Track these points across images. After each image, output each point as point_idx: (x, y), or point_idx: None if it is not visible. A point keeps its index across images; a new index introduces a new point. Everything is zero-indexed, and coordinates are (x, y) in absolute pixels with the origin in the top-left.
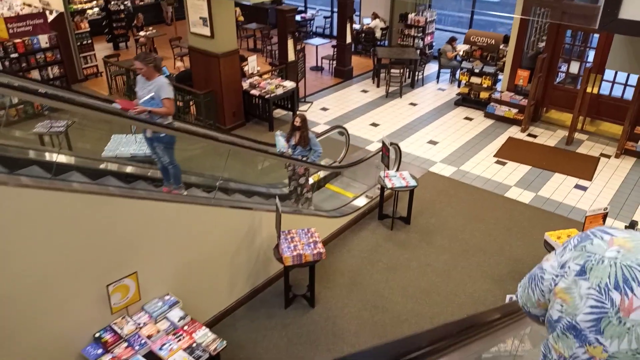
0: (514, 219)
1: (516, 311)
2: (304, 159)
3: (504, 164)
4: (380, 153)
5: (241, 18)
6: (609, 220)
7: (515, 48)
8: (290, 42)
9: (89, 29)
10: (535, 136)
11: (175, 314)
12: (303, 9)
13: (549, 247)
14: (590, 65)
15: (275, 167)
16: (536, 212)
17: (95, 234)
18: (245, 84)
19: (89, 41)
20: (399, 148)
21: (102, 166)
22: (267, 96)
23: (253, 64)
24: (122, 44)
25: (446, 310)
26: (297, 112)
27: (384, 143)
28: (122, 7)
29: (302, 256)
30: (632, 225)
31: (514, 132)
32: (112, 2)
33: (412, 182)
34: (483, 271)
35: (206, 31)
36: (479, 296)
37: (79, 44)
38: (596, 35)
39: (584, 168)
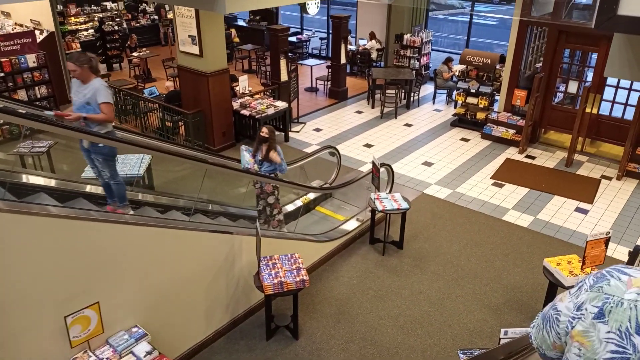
0: (511, 243)
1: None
2: (272, 175)
3: (501, 186)
4: (371, 174)
5: (237, 39)
6: (611, 245)
7: (512, 67)
8: (282, 62)
9: (80, 49)
10: (533, 157)
11: (142, 349)
12: (299, 30)
13: (549, 274)
14: (589, 85)
15: None
16: (535, 236)
17: (52, 260)
18: (236, 104)
19: None
20: (391, 169)
21: (73, 187)
22: (257, 116)
23: (244, 83)
24: (116, 65)
25: (439, 342)
26: (265, 126)
27: (374, 163)
28: (116, 27)
29: (283, 284)
30: (636, 251)
31: (512, 153)
32: (107, 23)
33: (404, 205)
34: (479, 300)
35: (195, 50)
36: (474, 327)
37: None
38: (594, 55)
39: (585, 190)
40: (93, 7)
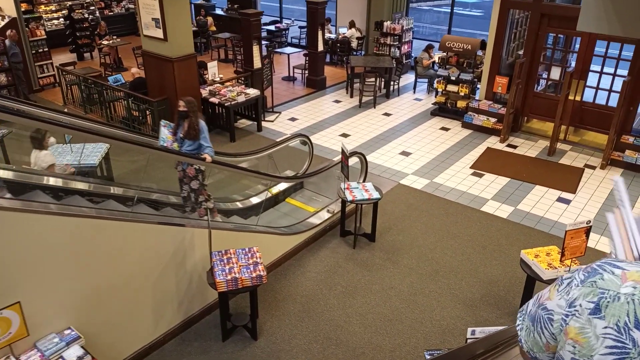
0: (490, 235)
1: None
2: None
3: (480, 175)
4: (340, 163)
5: (213, 28)
6: (594, 236)
7: (493, 53)
8: (255, 49)
9: (45, 37)
10: (515, 147)
11: (73, 353)
12: (279, 19)
13: (526, 267)
14: (572, 70)
15: (232, 180)
16: (515, 227)
17: None
18: (205, 92)
19: (46, 49)
20: (364, 158)
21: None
22: (227, 104)
23: (214, 70)
24: (87, 54)
25: (409, 341)
26: (182, 98)
27: (343, 151)
28: (86, 15)
29: (238, 280)
30: None
31: (493, 142)
32: (77, 11)
33: (376, 194)
34: (454, 295)
35: (159, 33)
36: (447, 324)
37: (33, 52)
38: (579, 38)
39: (567, 180)
40: None
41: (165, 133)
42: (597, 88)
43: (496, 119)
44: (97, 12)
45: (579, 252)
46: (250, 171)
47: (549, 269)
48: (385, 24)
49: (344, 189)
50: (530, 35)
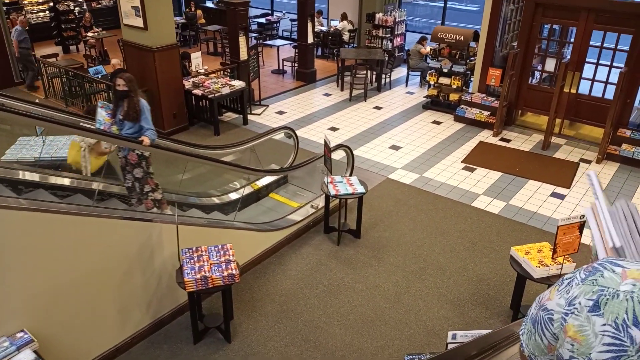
0: (480, 231)
1: None
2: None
3: (472, 170)
4: (323, 155)
5: (202, 20)
6: (588, 232)
7: (486, 44)
8: (242, 40)
9: (27, 27)
10: (508, 140)
11: (23, 358)
12: (270, 12)
13: (516, 265)
14: (567, 61)
15: (211, 174)
16: (506, 223)
17: None
18: (188, 83)
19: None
20: (350, 151)
21: None
22: (210, 96)
23: (197, 61)
24: (73, 46)
25: (392, 344)
26: (119, 75)
27: (325, 143)
28: (72, 7)
29: (208, 279)
30: None
31: (486, 136)
32: (62, 3)
33: (360, 189)
34: (441, 294)
35: (139, 22)
36: (433, 325)
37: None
38: (574, 29)
39: (562, 174)
40: None
41: (102, 115)
42: (593, 80)
43: (489, 112)
44: (85, 5)
45: (572, 249)
46: (214, 161)
47: (540, 267)
48: (377, 15)
49: (328, 183)
50: (524, 26)
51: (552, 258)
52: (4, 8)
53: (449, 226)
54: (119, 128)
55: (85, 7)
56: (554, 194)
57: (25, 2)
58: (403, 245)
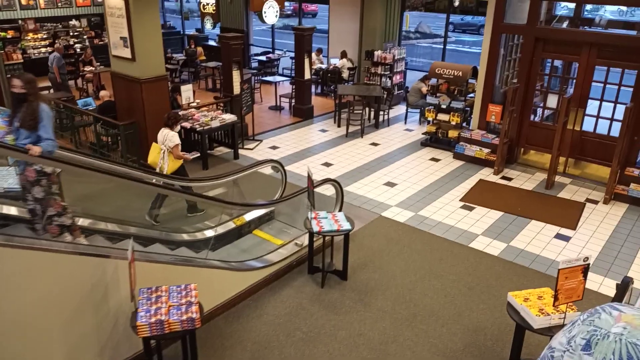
0: (478, 275)
1: None
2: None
3: (471, 209)
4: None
5: (202, 57)
6: (596, 277)
7: (485, 79)
8: (235, 74)
9: (21, 61)
10: (510, 179)
11: None
12: (271, 49)
13: (513, 313)
14: (569, 96)
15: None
16: (507, 266)
17: None
18: None
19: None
20: (339, 186)
21: None
22: (199, 129)
23: (188, 94)
24: (72, 81)
25: None
26: (16, 76)
27: (308, 176)
28: (72, 42)
29: (164, 323)
30: (624, 284)
31: (486, 174)
32: (61, 38)
33: (346, 225)
34: (432, 344)
35: (127, 53)
36: None
37: (9, 76)
38: (576, 64)
39: (567, 215)
40: (53, 24)
41: None
42: (598, 117)
43: (490, 150)
44: (87, 42)
45: (575, 296)
46: (167, 188)
47: (541, 316)
48: (376, 53)
49: (311, 218)
50: (524, 61)
51: (554, 305)
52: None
53: (444, 268)
54: (14, 137)
55: (87, 43)
56: (558, 236)
57: (29, 37)
58: (393, 289)
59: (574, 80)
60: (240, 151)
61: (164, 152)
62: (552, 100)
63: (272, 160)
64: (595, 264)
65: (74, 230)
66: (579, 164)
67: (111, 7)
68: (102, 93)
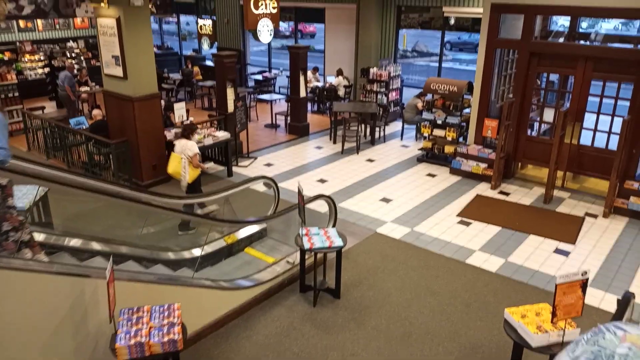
0: (475, 291)
1: None
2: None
3: (468, 224)
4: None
5: (199, 77)
6: (597, 292)
7: (480, 94)
8: (229, 91)
9: (15, 81)
10: (507, 194)
11: None
12: (267, 69)
13: (510, 330)
14: (565, 109)
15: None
16: (504, 282)
17: None
18: (170, 134)
19: (16, 94)
20: (332, 202)
21: None
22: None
23: (181, 112)
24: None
25: None
26: None
27: (299, 191)
28: (67, 63)
29: (144, 345)
30: (626, 299)
31: (483, 189)
32: (57, 58)
33: (338, 242)
34: None
35: (119, 71)
36: None
37: (2, 96)
38: (572, 77)
39: (566, 229)
40: (50, 45)
41: None
42: (595, 130)
43: (486, 165)
44: (84, 62)
45: (574, 312)
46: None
47: (539, 333)
48: (371, 70)
49: (303, 235)
50: (519, 75)
51: (552, 322)
52: None
53: (440, 285)
54: None
55: (84, 64)
56: (557, 251)
57: (26, 58)
58: (388, 307)
59: (570, 94)
60: (235, 169)
61: (183, 161)
62: (549, 114)
63: (264, 177)
64: (595, 279)
65: (33, 246)
66: (578, 178)
67: (103, 26)
68: (95, 112)
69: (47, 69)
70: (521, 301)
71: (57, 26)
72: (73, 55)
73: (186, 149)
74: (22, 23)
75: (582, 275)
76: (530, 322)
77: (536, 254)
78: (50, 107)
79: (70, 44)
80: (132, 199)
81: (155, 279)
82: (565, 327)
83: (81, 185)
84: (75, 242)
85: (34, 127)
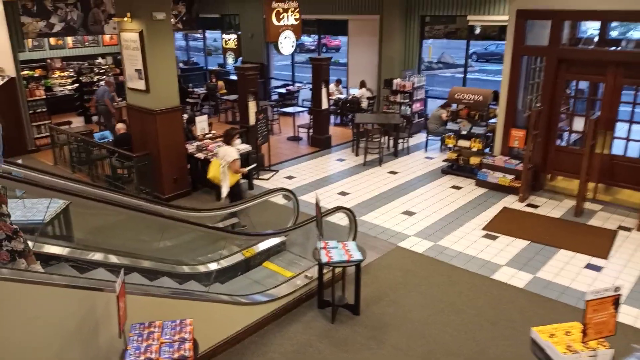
0: (501, 308)
1: None
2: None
3: (494, 238)
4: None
5: (223, 91)
6: (631, 310)
7: (507, 103)
8: (251, 104)
9: (44, 97)
10: (536, 206)
11: None
12: (291, 82)
13: (538, 351)
14: (596, 117)
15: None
16: (533, 299)
17: None
18: (192, 147)
19: (44, 109)
20: (352, 214)
21: None
22: (212, 159)
23: (202, 125)
24: (95, 116)
25: None
26: None
27: (317, 203)
28: (95, 79)
29: None
30: None
31: (511, 202)
32: (85, 75)
33: (357, 256)
34: None
35: (141, 85)
36: None
37: (31, 112)
38: (602, 85)
39: (598, 243)
40: (79, 62)
41: None
42: (628, 139)
43: (514, 176)
44: (112, 78)
45: (606, 331)
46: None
47: (568, 353)
48: (394, 81)
49: (320, 248)
50: (547, 83)
51: (583, 342)
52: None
53: (464, 302)
54: None
55: (112, 80)
56: (589, 266)
57: (55, 75)
58: (409, 324)
59: (601, 102)
60: (256, 181)
61: (223, 167)
62: (579, 123)
63: (282, 189)
64: (630, 296)
65: (28, 256)
66: (610, 190)
67: (126, 40)
68: (119, 126)
69: (75, 85)
70: (550, 319)
71: (87, 43)
72: (101, 71)
73: (226, 154)
74: (52, 40)
75: (614, 291)
76: (559, 341)
77: (566, 270)
78: (77, 122)
79: (99, 60)
80: (151, 212)
81: (168, 293)
82: (597, 347)
83: (98, 198)
84: (98, 257)
85: (60, 142)
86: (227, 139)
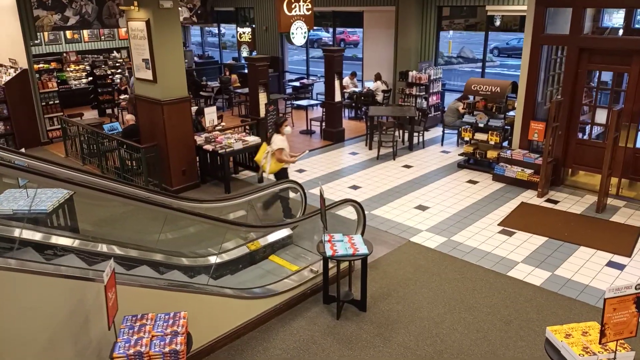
0: (517, 307)
1: None
2: None
3: (510, 234)
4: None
5: (237, 84)
6: None
7: (526, 94)
8: (262, 96)
9: (56, 89)
10: (555, 202)
11: None
12: (305, 76)
13: (552, 351)
14: (619, 109)
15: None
16: (550, 298)
17: None
18: (200, 139)
19: (57, 101)
20: (360, 207)
21: None
22: (220, 151)
23: (211, 116)
24: (109, 110)
25: None
26: None
27: (321, 194)
28: (108, 71)
29: (143, 355)
30: None
31: (529, 197)
32: (99, 68)
33: (363, 250)
34: None
35: (149, 75)
36: None
37: (44, 104)
38: (626, 75)
39: (621, 240)
40: (94, 56)
41: None
42: None
43: (532, 171)
44: (127, 72)
45: (627, 332)
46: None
47: (585, 355)
48: (410, 73)
49: (325, 241)
50: (568, 73)
51: (601, 343)
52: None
53: (477, 300)
54: None
55: (127, 73)
56: (610, 264)
57: (70, 68)
58: (418, 322)
59: (625, 93)
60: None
61: (267, 153)
62: (601, 116)
63: (290, 181)
64: None
65: None
66: (634, 185)
67: (134, 29)
68: (128, 117)
69: (90, 78)
70: (568, 319)
71: (103, 37)
72: (117, 64)
73: (274, 142)
74: (69, 34)
75: (635, 288)
76: (576, 342)
77: (587, 267)
78: (89, 115)
79: (115, 54)
80: (155, 202)
81: (164, 285)
82: (616, 349)
83: (103, 189)
84: (106, 249)
85: (72, 134)
86: (277, 128)
